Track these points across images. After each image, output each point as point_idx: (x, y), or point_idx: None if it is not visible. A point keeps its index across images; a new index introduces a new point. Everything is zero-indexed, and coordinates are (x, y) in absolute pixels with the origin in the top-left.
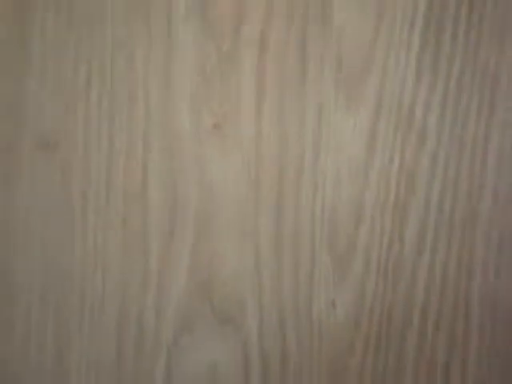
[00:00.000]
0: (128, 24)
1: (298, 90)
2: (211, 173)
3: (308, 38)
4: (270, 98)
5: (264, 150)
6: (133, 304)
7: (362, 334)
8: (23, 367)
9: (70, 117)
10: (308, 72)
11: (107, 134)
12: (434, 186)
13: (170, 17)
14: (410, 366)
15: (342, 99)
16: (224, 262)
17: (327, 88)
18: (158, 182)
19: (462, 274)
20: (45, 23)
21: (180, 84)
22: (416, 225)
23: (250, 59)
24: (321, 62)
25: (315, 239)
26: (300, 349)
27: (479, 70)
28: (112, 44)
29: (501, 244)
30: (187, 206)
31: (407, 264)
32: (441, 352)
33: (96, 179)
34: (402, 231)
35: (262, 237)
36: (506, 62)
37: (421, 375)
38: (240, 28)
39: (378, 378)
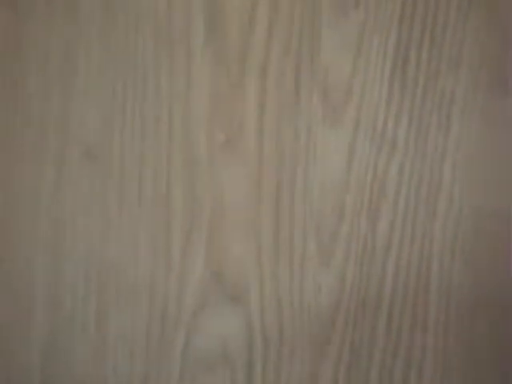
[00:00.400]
0: (155, 55)
1: (292, 112)
2: (223, 179)
3: (301, 71)
4: (269, 118)
5: (264, 160)
6: (160, 287)
7: (342, 314)
8: (70, 340)
9: (108, 132)
10: (300, 98)
11: (138, 148)
12: (401, 191)
13: (189, 49)
14: (381, 342)
15: (328, 120)
16: (232, 253)
17: (316, 111)
18: (180, 189)
19: (422, 265)
20: (89, 48)
21: (197, 106)
22: (386, 223)
23: (253, 85)
24: (310, 90)
25: (306, 234)
26: (293, 324)
27: (438, 93)
28: (143, 71)
29: (454, 239)
30: (203, 208)
31: (379, 256)
32: (405, 330)
33: (129, 186)
34: (375, 228)
35: (263, 233)
36: (460, 85)
37: (388, 350)
38: (245, 59)
39: (354, 351)
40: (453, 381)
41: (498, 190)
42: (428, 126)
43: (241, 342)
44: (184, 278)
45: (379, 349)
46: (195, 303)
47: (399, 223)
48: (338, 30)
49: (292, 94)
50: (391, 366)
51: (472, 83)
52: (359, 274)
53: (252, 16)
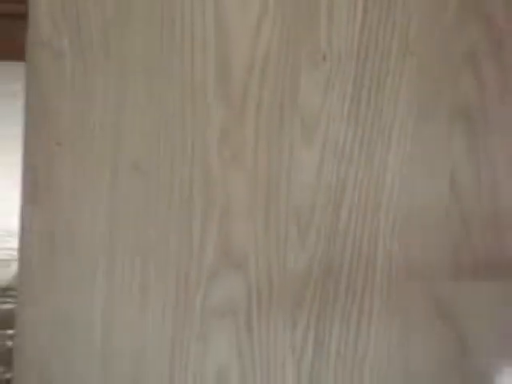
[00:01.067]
0: (182, 100)
1: (278, 135)
2: (229, 184)
3: (284, 106)
4: (262, 140)
5: (259, 168)
6: (185, 261)
7: (314, 277)
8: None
9: (154, 148)
10: (284, 126)
11: (176, 163)
12: (355, 193)
13: (205, 95)
14: (342, 298)
15: (304, 140)
16: (235, 236)
17: (295, 135)
18: (198, 190)
19: (371, 243)
20: (136, 96)
21: (212, 133)
22: (346, 213)
23: (251, 117)
24: (292, 121)
25: (288, 222)
26: (279, 284)
27: (382, 122)
28: (173, 113)
29: (394, 223)
30: (215, 205)
31: (341, 236)
32: (359, 289)
33: (169, 190)
34: (338, 217)
35: (258, 222)
36: (397, 117)
37: (347, 303)
38: (245, 100)
39: (322, 304)
40: (394, 319)
41: (427, 187)
42: (375, 145)
43: (242, 296)
44: (202, 254)
45: (341, 303)
46: (211, 270)
47: (355, 213)
48: (312, 76)
49: (278, 122)
50: (349, 315)
51: (406, 116)
52: (327, 249)
53: (250, 68)
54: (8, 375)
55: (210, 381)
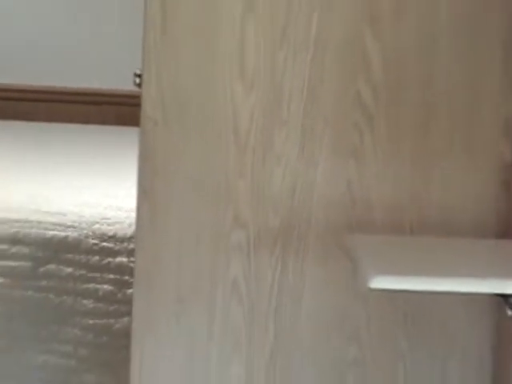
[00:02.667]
0: (209, 137)
1: (267, 157)
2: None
3: (267, 146)
4: (256, 162)
5: (258, 176)
6: (212, 224)
7: (291, 227)
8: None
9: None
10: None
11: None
12: (305, 184)
13: (228, 138)
14: (312, 240)
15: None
16: (242, 214)
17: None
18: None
19: (310, 214)
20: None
21: (225, 159)
22: (302, 198)
23: (251, 154)
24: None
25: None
26: (264, 236)
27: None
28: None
29: (318, 205)
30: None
31: (302, 208)
32: (302, 241)
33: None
34: (305, 208)
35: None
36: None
37: (300, 251)
38: (246, 146)
39: (292, 243)
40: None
41: (349, 185)
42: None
43: (244, 242)
44: (224, 221)
45: (312, 241)
46: (230, 228)
47: (310, 197)
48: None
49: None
50: (296, 258)
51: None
52: (295, 213)
53: (249, 127)
54: None
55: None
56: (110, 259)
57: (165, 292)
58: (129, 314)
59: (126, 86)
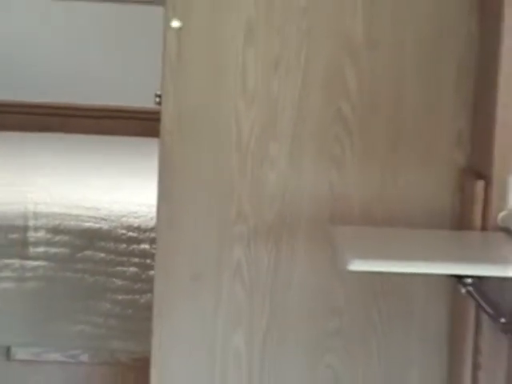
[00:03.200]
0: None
1: (258, 167)
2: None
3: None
4: (256, 165)
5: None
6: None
7: (276, 223)
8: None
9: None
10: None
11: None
12: (300, 194)
13: (240, 148)
14: (303, 224)
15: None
16: (244, 210)
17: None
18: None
19: (299, 207)
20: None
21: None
22: (291, 205)
23: (250, 159)
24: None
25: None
26: (262, 226)
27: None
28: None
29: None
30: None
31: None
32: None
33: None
34: (295, 204)
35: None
36: None
37: (291, 236)
38: (247, 149)
39: (285, 228)
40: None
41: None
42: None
43: (244, 233)
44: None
45: (301, 232)
46: (234, 222)
47: (298, 196)
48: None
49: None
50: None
51: None
52: (286, 209)
53: (249, 138)
54: None
55: None
56: (135, 246)
57: (180, 273)
58: (150, 291)
59: (149, 104)
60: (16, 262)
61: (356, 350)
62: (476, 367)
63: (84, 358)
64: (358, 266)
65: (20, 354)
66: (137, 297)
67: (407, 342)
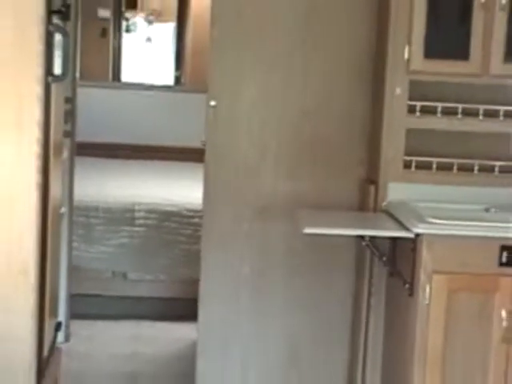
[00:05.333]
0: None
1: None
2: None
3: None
4: (254, 176)
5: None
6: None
7: (270, 209)
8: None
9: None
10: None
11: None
12: (278, 193)
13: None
14: (279, 215)
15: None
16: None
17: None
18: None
19: (282, 205)
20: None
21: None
22: (274, 198)
23: (251, 172)
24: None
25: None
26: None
27: None
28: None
29: (285, 201)
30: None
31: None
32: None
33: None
34: (276, 198)
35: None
36: None
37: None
38: (248, 167)
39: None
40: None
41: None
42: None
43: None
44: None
45: (279, 214)
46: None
47: (277, 194)
48: None
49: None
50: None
51: None
52: (271, 200)
53: (250, 161)
54: None
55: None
56: (190, 220)
57: (214, 235)
58: (199, 243)
59: (198, 145)
60: (128, 228)
61: (305, 275)
62: (369, 294)
63: (164, 277)
64: (308, 230)
65: (131, 276)
66: (191, 246)
67: (330, 276)
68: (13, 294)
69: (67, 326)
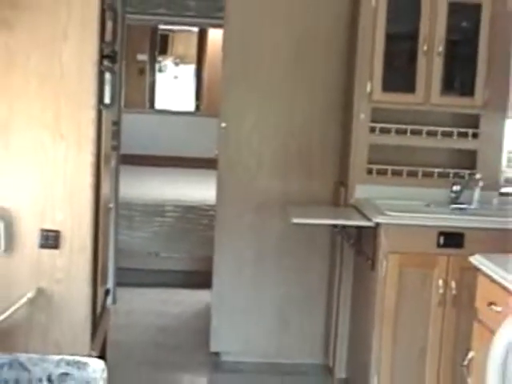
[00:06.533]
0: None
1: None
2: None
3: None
4: (257, 178)
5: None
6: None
7: (267, 204)
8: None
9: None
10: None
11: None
12: (271, 191)
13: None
14: (274, 210)
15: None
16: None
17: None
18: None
19: (276, 201)
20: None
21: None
22: (269, 196)
23: (258, 176)
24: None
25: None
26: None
27: None
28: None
29: (278, 199)
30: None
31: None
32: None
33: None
34: (271, 196)
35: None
36: None
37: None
38: (251, 173)
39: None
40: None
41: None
42: None
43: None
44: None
45: (273, 208)
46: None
47: (271, 192)
48: None
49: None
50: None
51: None
52: (268, 197)
53: (252, 169)
54: None
55: None
56: (207, 212)
57: (225, 226)
58: (213, 230)
59: (212, 156)
60: (159, 219)
61: (292, 255)
62: (341, 269)
63: (186, 255)
64: (296, 220)
65: (161, 254)
66: (207, 232)
67: (311, 256)
68: (75, 267)
69: (114, 292)
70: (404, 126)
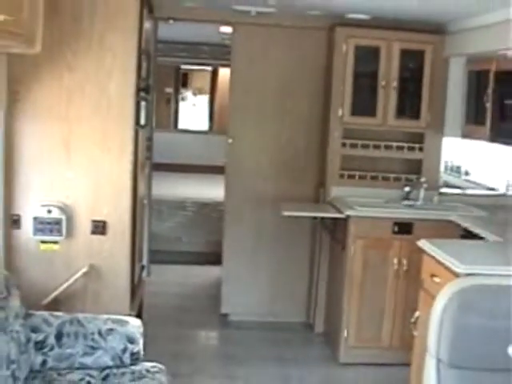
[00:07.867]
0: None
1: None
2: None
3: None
4: (256, 180)
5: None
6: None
7: (264, 200)
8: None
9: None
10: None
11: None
12: (267, 190)
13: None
14: (269, 204)
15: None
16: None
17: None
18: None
19: (271, 197)
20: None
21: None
22: (265, 193)
23: (258, 179)
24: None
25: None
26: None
27: None
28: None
29: (273, 195)
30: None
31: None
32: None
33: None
34: (266, 193)
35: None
36: None
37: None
38: (251, 177)
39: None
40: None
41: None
42: None
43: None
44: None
45: (268, 203)
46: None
47: (267, 191)
48: None
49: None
50: None
51: None
52: (264, 195)
53: (254, 175)
54: None
55: None
56: (217, 208)
57: (231, 218)
58: (221, 221)
59: (221, 164)
60: (181, 212)
61: (282, 240)
62: (320, 249)
63: (202, 240)
64: (286, 213)
65: (184, 239)
66: (218, 223)
67: (297, 241)
68: (118, 248)
69: (148, 267)
70: (367, 142)
